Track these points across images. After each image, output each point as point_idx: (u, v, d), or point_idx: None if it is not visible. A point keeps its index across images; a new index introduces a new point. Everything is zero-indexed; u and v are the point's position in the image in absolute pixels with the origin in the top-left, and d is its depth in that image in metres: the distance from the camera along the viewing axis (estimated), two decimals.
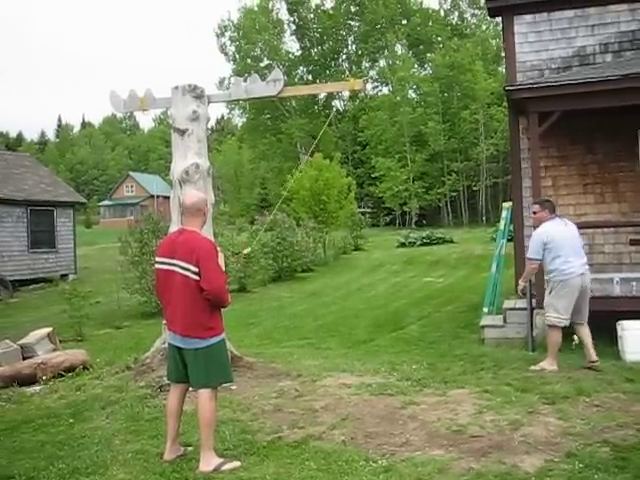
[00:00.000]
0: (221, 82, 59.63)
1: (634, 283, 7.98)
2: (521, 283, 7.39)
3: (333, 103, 63.39)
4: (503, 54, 12.46)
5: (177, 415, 4.40)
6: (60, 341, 9.55)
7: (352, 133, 58.30)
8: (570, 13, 9.44)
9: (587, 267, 6.71)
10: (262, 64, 58.40)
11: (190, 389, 4.47)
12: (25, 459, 4.57)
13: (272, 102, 51.18)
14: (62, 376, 7.28)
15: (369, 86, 61.72)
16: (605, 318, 6.92)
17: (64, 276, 22.95)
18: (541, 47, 9.55)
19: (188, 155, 6.72)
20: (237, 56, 61.18)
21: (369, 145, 54.67)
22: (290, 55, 62.33)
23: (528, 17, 9.60)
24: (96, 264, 26.20)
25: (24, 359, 7.94)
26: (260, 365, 6.99)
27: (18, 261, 21.56)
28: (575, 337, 6.80)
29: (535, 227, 6.95)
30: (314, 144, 12.85)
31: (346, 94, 59.71)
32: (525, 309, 8.15)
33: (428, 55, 57.77)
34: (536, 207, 6.95)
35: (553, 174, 9.40)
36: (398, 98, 51.89)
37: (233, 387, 5.95)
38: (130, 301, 16.00)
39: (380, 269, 22.16)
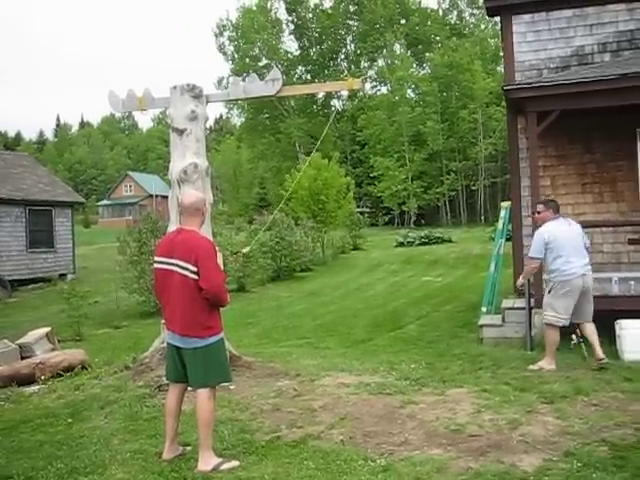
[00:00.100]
0: (219, 82, 59.70)
1: (632, 282, 7.99)
2: (520, 280, 7.42)
3: (332, 103, 63.41)
4: (502, 54, 12.46)
5: (176, 415, 4.40)
6: (59, 341, 9.55)
7: (351, 132, 58.33)
8: (568, 13, 9.45)
9: (589, 267, 6.71)
10: (261, 63, 58.40)
11: (189, 389, 4.47)
12: (24, 459, 4.57)
13: (271, 102, 51.21)
14: (61, 376, 7.28)
15: (368, 85, 61.75)
16: (603, 317, 6.92)
17: (62, 276, 22.94)
18: (539, 47, 9.56)
19: (187, 155, 6.72)
20: (236, 55, 61.15)
21: (368, 144, 54.68)
22: (289, 55, 62.32)
23: (526, 17, 9.61)
24: (95, 264, 26.18)
25: (22, 359, 7.94)
26: (259, 365, 6.99)
27: (16, 261, 21.55)
28: (573, 336, 6.81)
29: (538, 227, 6.97)
30: (316, 147, 12.84)
31: (345, 93, 59.71)
32: (523, 308, 8.16)
33: (427, 55, 57.80)
34: (540, 207, 6.98)
35: (551, 174, 9.40)
36: (397, 98, 51.90)
37: (232, 387, 5.95)
38: (129, 301, 16.00)
39: (379, 269, 22.17)
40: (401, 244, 30.08)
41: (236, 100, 24.73)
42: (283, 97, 25.09)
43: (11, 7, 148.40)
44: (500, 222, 10.69)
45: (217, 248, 4.37)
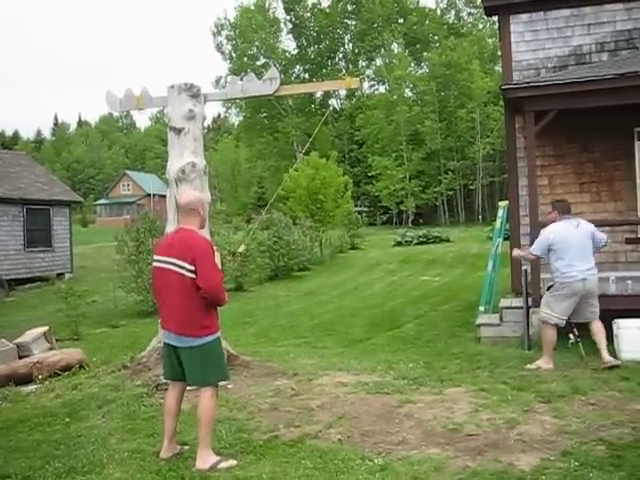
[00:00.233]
0: (217, 81, 59.72)
1: (630, 282, 8.00)
2: (516, 251, 7.47)
3: (330, 102, 63.42)
4: (499, 53, 12.48)
5: (175, 414, 4.40)
6: (56, 340, 9.53)
7: (349, 132, 58.37)
8: (566, 12, 9.45)
9: (592, 272, 6.66)
10: (259, 63, 58.43)
11: (188, 388, 4.47)
12: (21, 458, 4.56)
13: (269, 101, 51.19)
14: (58, 375, 7.26)
15: (366, 85, 61.87)
16: (601, 317, 6.92)
17: (60, 275, 22.91)
18: (537, 46, 9.56)
19: (184, 154, 6.71)
20: (233, 55, 61.17)
21: (366, 144, 54.71)
22: (287, 54, 62.34)
23: (524, 16, 9.61)
24: (92, 263, 26.16)
25: (20, 358, 7.92)
26: (256, 364, 6.99)
27: (14, 260, 21.52)
28: (571, 336, 6.82)
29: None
30: (309, 142, 12.83)
31: (343, 93, 59.76)
32: (521, 308, 8.16)
33: (425, 54, 57.86)
34: (551, 209, 7.05)
35: (549, 173, 9.40)
36: (395, 97, 51.94)
37: (229, 386, 5.95)
38: (126, 300, 16.00)
39: (376, 268, 22.18)
40: (399, 243, 30.11)
41: (234, 99, 24.73)
42: (281, 96, 25.05)
43: (11, 7, 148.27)
44: (498, 221, 10.70)
45: (215, 247, 4.37)
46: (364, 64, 63.88)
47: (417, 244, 29.48)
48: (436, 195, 50.79)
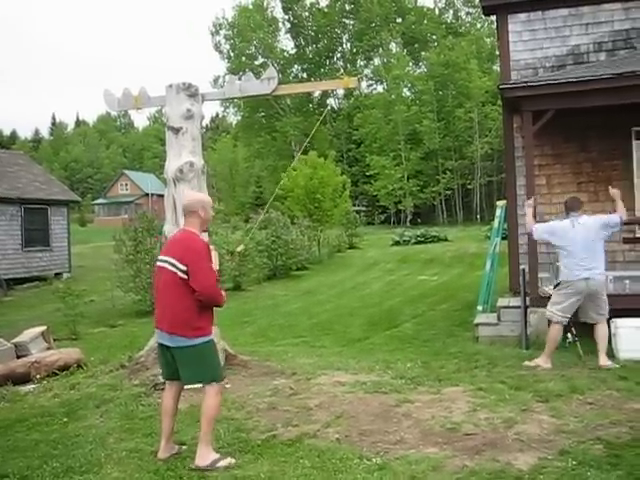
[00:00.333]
0: (215, 80, 59.71)
1: (627, 281, 8.01)
2: (530, 202, 7.32)
3: (328, 101, 63.44)
4: (497, 52, 12.46)
5: (172, 413, 4.40)
6: (54, 340, 9.52)
7: (347, 131, 58.36)
8: (564, 12, 9.45)
9: (597, 272, 6.64)
10: (257, 62, 58.41)
11: (185, 387, 4.48)
12: (19, 458, 4.56)
13: (267, 100, 51.16)
14: (56, 375, 7.26)
15: (364, 84, 61.94)
16: None
17: (58, 274, 22.87)
18: (535, 45, 9.56)
19: (182, 153, 6.72)
20: (232, 54, 61.16)
21: (364, 143, 54.72)
22: (285, 53, 62.34)
23: (522, 16, 9.61)
24: (90, 262, 26.13)
25: (18, 358, 7.91)
26: (255, 363, 7.00)
27: (12, 260, 21.48)
28: (569, 335, 6.84)
29: None
30: (307, 141, 12.85)
31: (341, 92, 59.79)
32: (519, 307, 8.17)
33: (423, 53, 57.87)
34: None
35: (547, 172, 9.41)
36: (393, 96, 51.94)
37: (227, 385, 5.95)
38: (124, 299, 15.98)
39: (375, 267, 22.19)
40: (397, 243, 30.12)
41: (232, 99, 24.70)
42: (279, 96, 25.06)
43: (11, 7, 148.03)
44: (496, 221, 10.70)
45: (213, 247, 4.37)
46: (362, 63, 63.90)
47: (415, 243, 29.50)
48: (434, 194, 50.82)
